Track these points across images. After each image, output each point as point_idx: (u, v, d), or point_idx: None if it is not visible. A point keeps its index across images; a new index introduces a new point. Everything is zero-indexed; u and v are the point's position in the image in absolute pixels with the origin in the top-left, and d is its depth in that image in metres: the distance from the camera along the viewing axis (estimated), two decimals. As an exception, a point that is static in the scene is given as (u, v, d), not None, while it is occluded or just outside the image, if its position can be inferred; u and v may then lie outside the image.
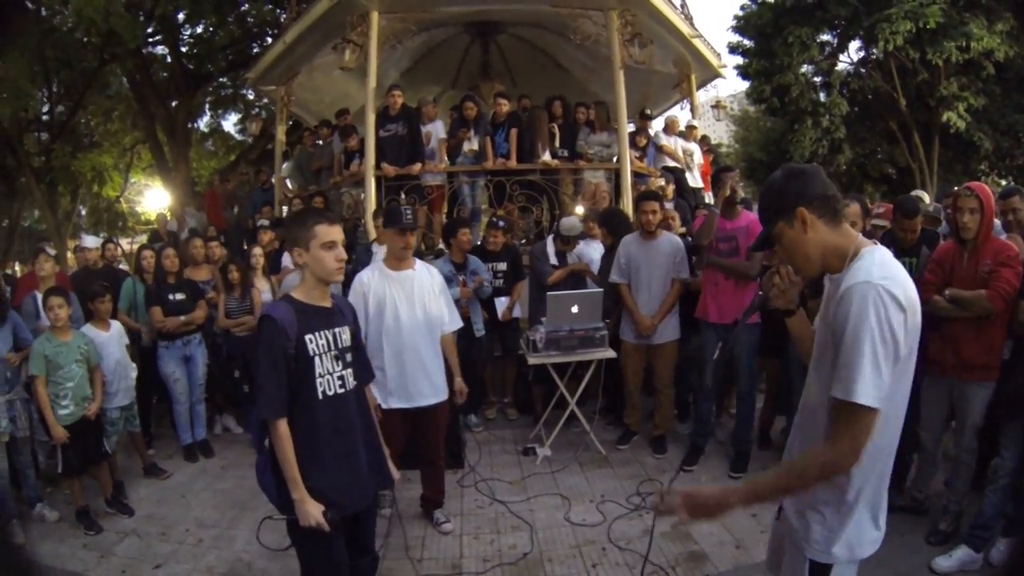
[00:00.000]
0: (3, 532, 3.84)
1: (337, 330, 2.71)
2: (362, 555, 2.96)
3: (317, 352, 2.60)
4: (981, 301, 3.67)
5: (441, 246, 6.53)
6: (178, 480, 5.46)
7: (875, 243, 1.92)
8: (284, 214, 9.56)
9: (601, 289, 5.52)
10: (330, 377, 2.64)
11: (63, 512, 4.77)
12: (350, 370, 2.74)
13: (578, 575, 3.84)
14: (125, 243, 19.19)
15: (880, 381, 1.73)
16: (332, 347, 2.66)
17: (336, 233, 2.65)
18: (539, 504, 4.72)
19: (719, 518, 1.98)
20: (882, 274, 1.76)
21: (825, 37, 17.61)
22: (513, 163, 7.63)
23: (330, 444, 2.64)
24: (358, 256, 5.99)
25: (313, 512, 2.51)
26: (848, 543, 1.97)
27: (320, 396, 2.60)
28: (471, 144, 7.90)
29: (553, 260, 5.99)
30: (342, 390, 2.68)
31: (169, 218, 10.85)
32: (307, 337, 2.58)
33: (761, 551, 3.78)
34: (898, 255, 3.50)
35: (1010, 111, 16.17)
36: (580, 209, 7.88)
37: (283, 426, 2.51)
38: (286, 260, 6.10)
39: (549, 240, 6.14)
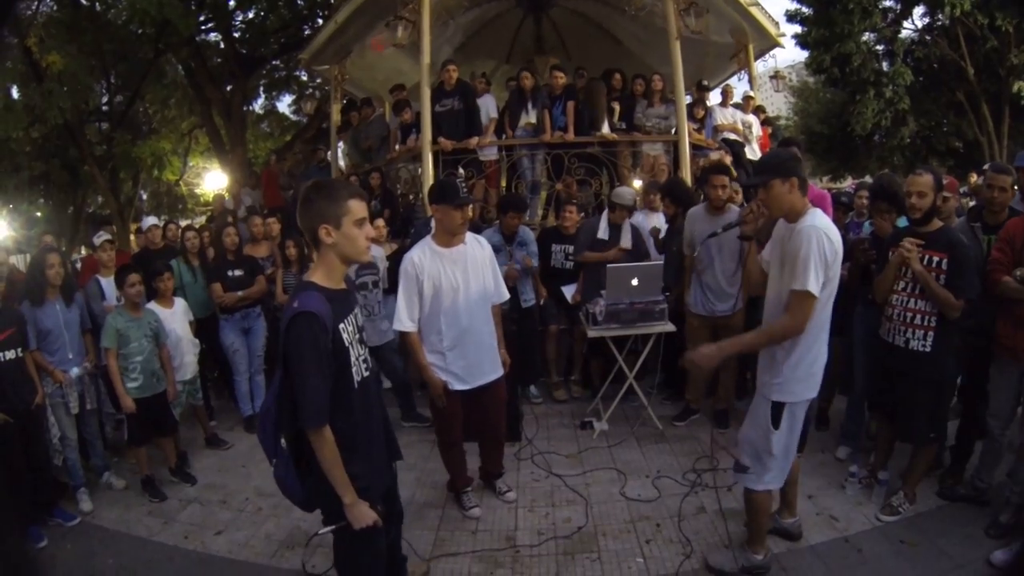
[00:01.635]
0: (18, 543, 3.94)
1: (356, 310, 2.59)
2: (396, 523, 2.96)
3: (350, 341, 2.44)
4: None
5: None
6: (239, 450, 5.62)
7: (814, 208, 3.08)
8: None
9: (661, 262, 5.40)
10: (359, 363, 2.50)
11: (129, 480, 4.98)
12: (366, 348, 2.62)
13: (631, 550, 3.80)
14: (184, 225, 19.63)
15: (817, 281, 2.90)
16: (356, 330, 2.53)
17: (366, 209, 2.47)
18: (595, 478, 4.69)
19: (718, 362, 3.12)
20: (822, 224, 2.97)
21: (888, 3, 16.99)
22: (571, 136, 7.52)
23: (365, 430, 2.54)
24: (417, 231, 5.97)
25: (367, 512, 2.43)
26: (793, 391, 3.12)
27: (356, 386, 2.47)
28: (528, 117, 7.80)
29: (604, 234, 5.85)
30: (367, 373, 2.56)
31: (226, 197, 11.04)
32: (340, 327, 2.39)
33: (814, 534, 3.81)
34: (986, 230, 4.14)
35: (1087, 80, 15.35)
36: (638, 182, 7.76)
37: (327, 430, 2.34)
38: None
39: (604, 215, 6.02)
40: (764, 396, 3.19)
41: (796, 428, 3.19)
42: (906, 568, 3.51)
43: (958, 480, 4.24)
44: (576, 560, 3.73)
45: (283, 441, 2.55)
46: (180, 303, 5.41)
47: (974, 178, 10.12)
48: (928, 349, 3.74)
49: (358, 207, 2.41)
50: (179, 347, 5.23)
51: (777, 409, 3.13)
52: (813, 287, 2.88)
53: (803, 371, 3.09)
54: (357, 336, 2.53)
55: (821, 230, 2.91)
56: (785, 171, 3.04)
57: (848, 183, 20.23)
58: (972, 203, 6.25)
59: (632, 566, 3.66)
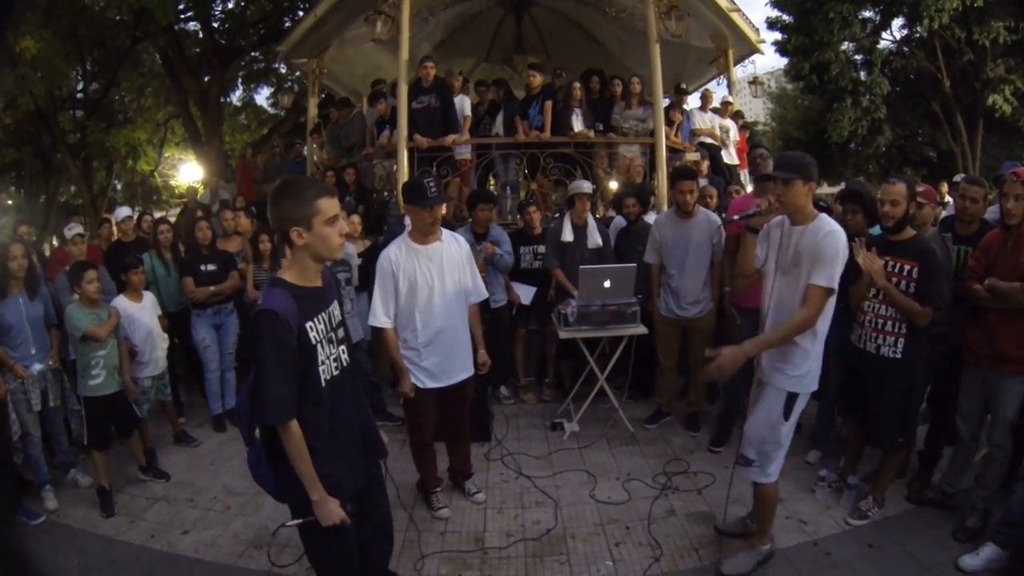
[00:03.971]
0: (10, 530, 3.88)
1: (331, 308, 2.55)
2: (381, 541, 2.94)
3: (318, 339, 2.42)
4: (1015, 294, 3.53)
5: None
6: (207, 448, 5.56)
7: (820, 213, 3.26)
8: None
9: (634, 264, 5.40)
10: (328, 362, 2.48)
11: (95, 479, 4.83)
12: (344, 347, 2.60)
13: (601, 553, 3.82)
14: (160, 216, 19.41)
15: (835, 277, 3.07)
16: (329, 328, 2.50)
17: (336, 205, 2.43)
18: (564, 480, 4.70)
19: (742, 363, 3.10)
20: (836, 227, 3.14)
21: (867, 14, 17.07)
22: (547, 135, 7.52)
23: (333, 429, 2.51)
24: (390, 228, 5.93)
25: (335, 510, 2.42)
26: (808, 383, 3.26)
27: (323, 384, 2.45)
28: (496, 127, 7.82)
29: (568, 236, 5.82)
30: (338, 372, 2.53)
31: (201, 191, 10.90)
32: (307, 325, 2.38)
33: (783, 537, 3.84)
34: (956, 241, 4.25)
35: (1060, 95, 15.61)
36: (614, 183, 7.77)
37: (294, 426, 2.33)
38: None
39: (567, 216, 5.98)
40: (779, 388, 3.26)
41: (796, 419, 3.34)
42: (874, 571, 3.57)
43: (926, 484, 4.32)
44: (545, 562, 3.73)
45: (257, 431, 2.54)
46: (149, 297, 5.33)
47: (945, 188, 10.26)
48: (899, 356, 3.80)
49: (327, 205, 2.38)
50: (148, 341, 5.14)
51: (791, 400, 3.24)
52: (833, 282, 3.07)
53: (814, 363, 3.24)
54: (329, 335, 2.50)
55: (837, 231, 3.11)
56: (808, 174, 3.19)
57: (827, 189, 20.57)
58: (944, 213, 6.33)
59: (601, 569, 3.67)
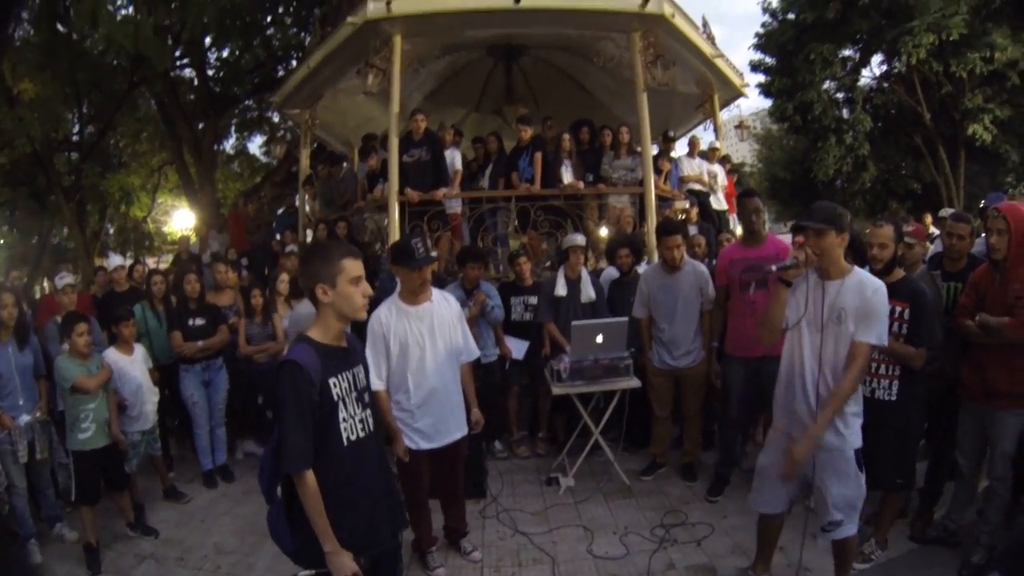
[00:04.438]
0: (19, 552, 3.86)
1: (355, 370, 2.61)
2: None
3: (341, 396, 2.49)
4: (1005, 329, 3.60)
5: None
6: (198, 504, 5.50)
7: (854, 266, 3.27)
8: (308, 238, 9.63)
9: (626, 319, 5.45)
10: (352, 421, 2.54)
11: (82, 534, 4.76)
12: (369, 411, 2.65)
13: (600, 609, 3.76)
14: (152, 262, 19.45)
15: (885, 335, 3.16)
16: (353, 389, 2.56)
17: (360, 268, 2.54)
18: (561, 536, 4.65)
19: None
20: (881, 283, 3.15)
21: (847, 52, 17.51)
22: (537, 188, 7.59)
23: (353, 491, 2.54)
24: (382, 283, 5.96)
25: (347, 563, 2.43)
26: (859, 433, 3.27)
27: (345, 442, 2.50)
28: (482, 180, 7.96)
29: (562, 290, 5.88)
30: (363, 434, 2.59)
31: (192, 240, 10.94)
32: (331, 381, 2.46)
33: None
34: (945, 278, 4.34)
35: (1037, 122, 15.93)
36: (605, 231, 7.84)
37: (310, 476, 2.39)
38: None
39: (560, 270, 6.04)
40: (843, 450, 3.24)
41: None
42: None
43: (929, 523, 4.33)
44: (544, 621, 3.69)
45: (279, 489, 2.59)
46: (140, 350, 5.29)
47: (929, 219, 10.40)
48: (894, 398, 3.84)
49: (352, 266, 2.49)
50: (138, 395, 5.09)
51: (859, 453, 3.26)
52: (885, 341, 3.19)
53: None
54: (354, 395, 2.56)
55: (880, 285, 3.14)
56: (841, 225, 3.15)
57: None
58: (931, 246, 6.42)
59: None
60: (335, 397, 2.48)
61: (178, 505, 5.47)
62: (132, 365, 5.12)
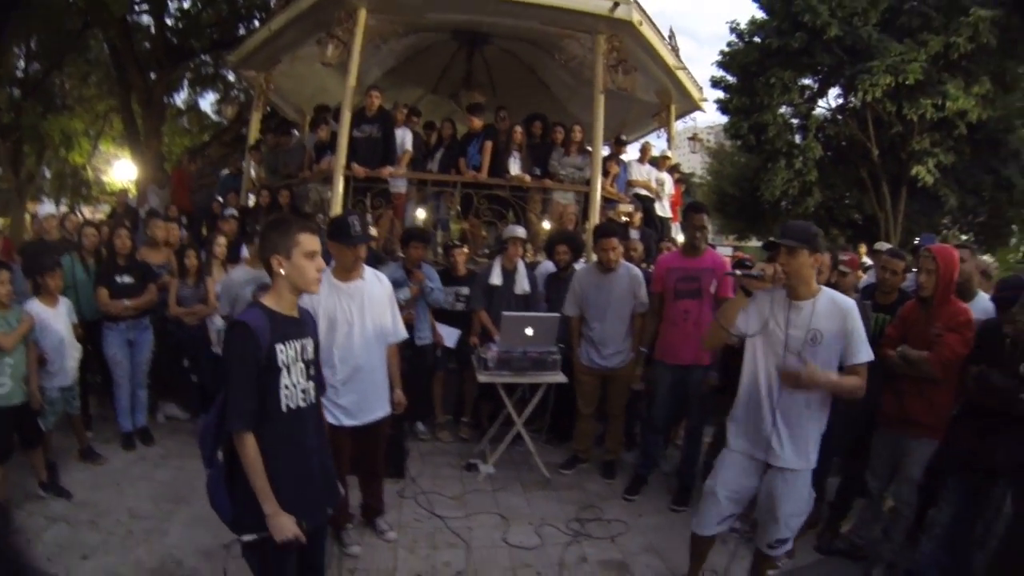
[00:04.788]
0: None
1: (304, 341, 2.64)
2: None
3: (286, 363, 2.53)
4: (923, 364, 3.78)
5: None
6: (115, 466, 5.30)
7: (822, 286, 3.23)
8: (250, 203, 9.45)
9: (558, 315, 5.51)
10: (294, 390, 2.56)
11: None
12: (312, 383, 2.67)
13: (511, 598, 3.79)
14: (88, 212, 18.85)
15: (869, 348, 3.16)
16: (299, 359, 2.59)
17: (317, 243, 2.58)
18: (477, 522, 4.67)
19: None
20: (852, 302, 3.18)
21: (807, 81, 17.97)
22: (484, 176, 7.61)
23: (288, 459, 2.55)
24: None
25: (288, 525, 2.45)
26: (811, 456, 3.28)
27: (283, 409, 2.52)
28: (432, 164, 7.96)
29: (497, 279, 5.92)
30: (304, 404, 2.61)
31: (131, 193, 10.63)
32: (278, 346, 2.50)
33: None
34: (876, 308, 4.47)
35: (977, 171, 16.70)
36: (547, 226, 7.90)
37: (251, 439, 2.42)
38: (245, 252, 6.01)
39: (497, 260, 6.08)
40: (805, 472, 3.27)
41: None
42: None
43: (835, 535, 4.51)
44: (455, 607, 3.69)
45: (220, 453, 2.57)
46: (65, 303, 5.08)
47: (863, 250, 10.73)
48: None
49: (308, 240, 2.54)
50: (60, 350, 4.90)
51: (814, 474, 3.33)
52: (870, 356, 3.19)
53: None
54: (300, 364, 2.59)
55: (853, 304, 3.19)
56: (815, 245, 3.12)
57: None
58: (864, 276, 6.65)
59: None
60: (279, 363, 2.51)
61: (94, 466, 5.25)
62: (55, 318, 4.92)
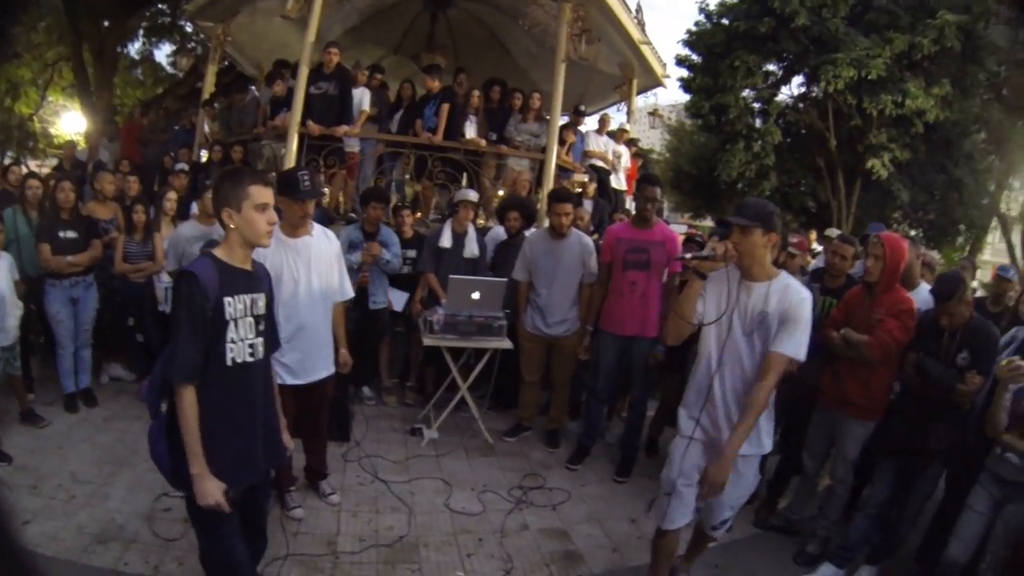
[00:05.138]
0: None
1: (255, 296, 2.62)
2: (256, 538, 2.91)
3: (233, 316, 2.50)
4: (862, 347, 3.88)
5: (353, 214, 6.39)
6: (56, 429, 5.12)
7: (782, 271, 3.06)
8: (202, 159, 9.24)
9: (505, 280, 5.51)
10: (241, 344, 2.54)
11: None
12: (261, 339, 2.65)
13: (452, 563, 3.84)
14: (34, 165, 18.23)
15: (804, 348, 2.91)
16: (248, 313, 2.56)
17: (269, 195, 2.55)
18: (420, 487, 4.70)
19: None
20: (807, 293, 2.96)
21: (771, 67, 18.06)
22: (439, 139, 7.55)
23: (231, 414, 2.53)
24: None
25: (212, 491, 2.40)
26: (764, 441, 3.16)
27: (228, 363, 2.50)
28: (390, 124, 7.88)
29: (447, 242, 5.88)
30: (251, 359, 2.59)
31: (80, 146, 10.31)
32: (226, 299, 2.47)
33: (633, 556, 3.99)
34: (823, 292, 4.54)
35: (931, 170, 17.08)
36: (500, 192, 7.88)
37: (191, 393, 2.39)
38: (194, 208, 5.87)
39: (447, 223, 6.05)
40: (755, 456, 3.19)
41: None
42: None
43: (772, 511, 4.68)
44: (397, 570, 3.72)
45: (164, 406, 2.55)
46: (6, 258, 4.85)
47: (813, 236, 10.93)
48: None
49: (259, 192, 2.50)
50: (0, 308, 4.68)
51: (764, 458, 3.25)
52: (803, 355, 2.93)
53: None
54: (249, 319, 2.57)
55: (806, 291, 2.99)
56: (769, 224, 2.93)
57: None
58: (813, 262, 6.78)
59: (452, 579, 3.70)
60: (227, 316, 2.48)
61: (35, 429, 5.05)
62: None
